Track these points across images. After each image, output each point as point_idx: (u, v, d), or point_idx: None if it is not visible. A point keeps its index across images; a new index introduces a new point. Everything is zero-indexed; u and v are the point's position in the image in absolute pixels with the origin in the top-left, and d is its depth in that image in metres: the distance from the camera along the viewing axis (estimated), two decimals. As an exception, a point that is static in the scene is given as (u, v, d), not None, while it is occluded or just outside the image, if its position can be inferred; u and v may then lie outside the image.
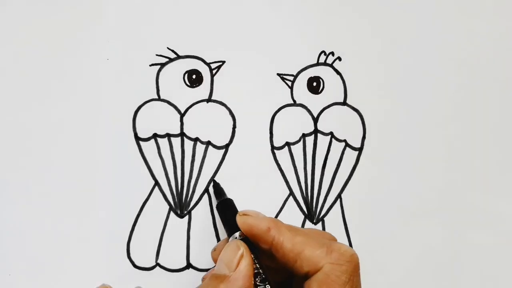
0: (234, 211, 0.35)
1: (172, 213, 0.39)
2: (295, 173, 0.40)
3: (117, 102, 0.39)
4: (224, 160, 0.40)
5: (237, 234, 0.32)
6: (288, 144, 0.40)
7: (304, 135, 0.40)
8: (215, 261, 0.35)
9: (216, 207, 0.37)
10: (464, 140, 0.41)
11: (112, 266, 0.38)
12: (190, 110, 0.40)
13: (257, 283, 0.30)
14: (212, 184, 0.39)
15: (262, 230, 0.31)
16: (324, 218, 0.40)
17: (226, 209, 0.35)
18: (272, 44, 0.41)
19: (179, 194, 0.39)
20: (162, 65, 0.40)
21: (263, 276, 0.30)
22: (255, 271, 0.30)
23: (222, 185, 0.39)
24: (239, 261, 0.30)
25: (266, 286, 0.30)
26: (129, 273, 0.38)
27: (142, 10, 0.40)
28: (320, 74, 0.41)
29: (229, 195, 0.39)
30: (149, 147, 0.39)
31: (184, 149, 0.39)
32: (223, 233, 0.39)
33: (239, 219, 0.33)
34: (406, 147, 0.41)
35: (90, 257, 0.38)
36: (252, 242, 0.32)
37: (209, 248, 0.39)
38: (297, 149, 0.40)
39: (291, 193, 0.40)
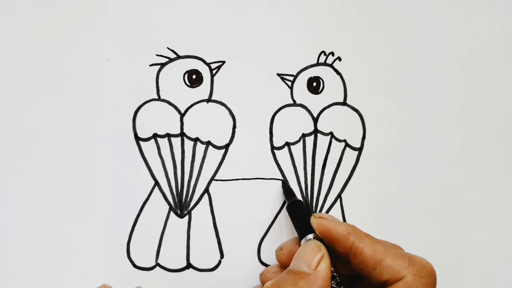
0: (306, 212, 0.36)
1: (172, 213, 0.39)
2: (295, 173, 0.40)
3: (117, 102, 0.39)
4: (224, 160, 0.40)
5: (310, 236, 0.33)
6: (288, 144, 0.40)
7: (304, 135, 0.40)
8: (279, 260, 0.36)
9: (286, 207, 0.37)
10: (464, 140, 0.42)
11: (112, 266, 0.38)
12: (190, 110, 0.40)
13: (333, 286, 0.31)
14: (281, 184, 0.39)
15: (342, 234, 0.32)
16: (324, 218, 0.40)
17: (297, 210, 0.36)
18: (272, 44, 0.41)
19: (179, 194, 0.39)
20: (162, 65, 0.40)
21: (338, 280, 0.31)
22: (332, 274, 0.31)
23: (221, 185, 0.39)
24: (319, 261, 0.31)
25: None
26: (129, 273, 0.38)
27: (142, 10, 0.40)
28: (320, 74, 0.41)
29: (229, 195, 0.39)
30: (149, 147, 0.39)
31: (184, 149, 0.39)
32: (223, 233, 0.39)
33: (314, 221, 0.33)
34: (406, 147, 0.41)
35: (90, 257, 0.38)
36: (327, 245, 0.32)
37: (209, 248, 0.39)
38: (297, 149, 0.40)
39: (291, 193, 0.40)
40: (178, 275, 0.39)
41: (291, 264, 0.32)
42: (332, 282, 0.31)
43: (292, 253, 0.34)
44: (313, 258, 0.31)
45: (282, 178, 0.40)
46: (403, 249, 0.33)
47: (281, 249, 0.36)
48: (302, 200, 0.37)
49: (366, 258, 0.31)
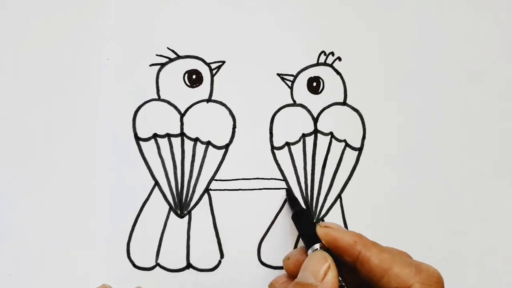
0: (311, 221, 0.36)
1: (172, 213, 0.39)
2: (295, 173, 0.40)
3: (117, 102, 0.39)
4: (224, 160, 0.40)
5: (317, 245, 0.33)
6: (288, 144, 0.40)
7: (304, 135, 0.40)
8: (287, 269, 0.36)
9: (292, 217, 0.37)
10: (464, 140, 0.41)
11: (112, 266, 0.38)
12: (190, 110, 0.40)
13: None
14: (285, 192, 0.39)
15: (348, 244, 0.32)
16: (324, 218, 0.40)
17: (302, 220, 0.36)
18: (272, 44, 0.41)
19: (179, 194, 0.39)
20: (162, 65, 0.40)
21: None
22: (339, 283, 0.31)
23: (222, 185, 0.39)
24: (326, 272, 0.31)
25: None
26: (129, 273, 0.38)
27: (142, 10, 0.40)
28: (320, 74, 0.41)
29: (228, 195, 0.39)
30: (149, 147, 0.39)
31: (184, 149, 0.39)
32: (223, 233, 0.39)
33: (320, 231, 0.33)
34: (406, 147, 0.41)
35: (90, 257, 0.38)
36: (333, 255, 0.32)
37: (209, 248, 0.39)
38: (297, 149, 0.40)
39: (291, 193, 0.40)
40: (178, 275, 0.39)
41: (299, 276, 0.32)
42: None
43: (299, 263, 0.34)
44: (320, 269, 0.31)
45: (282, 178, 0.40)
46: (410, 256, 0.33)
47: (288, 258, 0.36)
48: (306, 209, 0.37)
49: (373, 267, 0.31)
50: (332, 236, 0.33)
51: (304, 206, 0.38)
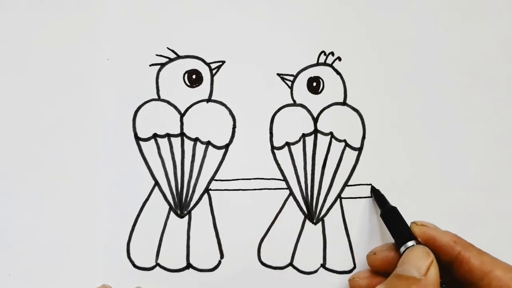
0: (402, 219, 0.36)
1: (172, 213, 0.39)
2: (295, 173, 0.40)
3: (117, 102, 0.39)
4: (224, 160, 0.40)
5: (411, 243, 0.34)
6: (288, 144, 0.40)
7: (304, 135, 0.40)
8: (372, 265, 0.37)
9: (381, 215, 0.38)
10: (464, 140, 0.41)
11: (112, 266, 0.38)
12: (190, 110, 0.40)
13: None
14: (371, 190, 0.40)
15: (448, 243, 0.33)
16: (324, 218, 0.40)
17: (394, 217, 0.36)
18: (272, 44, 0.41)
19: (179, 194, 0.39)
20: (162, 65, 0.40)
21: (444, 286, 0.32)
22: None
23: (222, 185, 0.39)
24: (429, 266, 0.31)
25: None
26: (129, 273, 0.38)
27: (142, 10, 0.40)
28: (320, 74, 0.41)
29: (228, 195, 0.39)
30: (149, 147, 0.39)
31: (184, 149, 0.39)
32: (223, 233, 0.39)
33: (417, 229, 0.34)
34: (406, 147, 0.41)
35: (90, 257, 0.38)
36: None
37: (209, 248, 0.39)
38: (297, 149, 0.40)
39: (291, 193, 0.40)
40: (178, 275, 0.39)
41: (398, 269, 0.32)
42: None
43: (387, 259, 0.35)
44: (423, 264, 0.31)
45: (282, 178, 0.40)
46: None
47: (374, 253, 0.36)
48: (396, 207, 0.37)
49: (473, 268, 0.31)
50: (430, 234, 0.34)
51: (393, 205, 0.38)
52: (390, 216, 0.37)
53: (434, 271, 0.31)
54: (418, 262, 0.31)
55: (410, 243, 0.34)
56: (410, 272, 0.31)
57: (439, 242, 0.33)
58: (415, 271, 0.31)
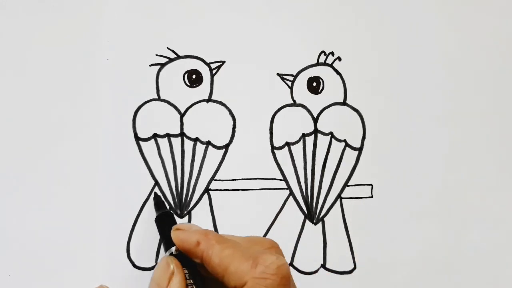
0: (172, 224, 0.34)
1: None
2: (295, 173, 0.40)
3: (117, 102, 0.39)
4: (224, 160, 0.40)
5: (173, 248, 0.33)
6: (288, 144, 0.40)
7: (304, 135, 0.40)
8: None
9: (155, 220, 0.36)
10: (464, 140, 0.41)
11: (112, 266, 0.38)
12: (190, 110, 0.40)
13: None
14: (152, 196, 0.38)
15: (192, 245, 0.31)
16: (324, 218, 0.40)
17: (164, 223, 0.35)
18: (272, 44, 0.41)
19: (179, 194, 0.39)
20: (162, 65, 0.40)
21: None
22: (189, 287, 0.30)
23: (221, 185, 0.39)
24: (169, 278, 0.30)
25: None
26: (129, 273, 0.38)
27: (142, 10, 0.40)
28: (320, 74, 0.41)
29: (228, 195, 0.39)
30: (149, 147, 0.39)
31: (184, 149, 0.39)
32: (223, 233, 0.39)
33: (173, 234, 0.32)
34: (406, 147, 0.41)
35: (90, 257, 0.38)
36: (188, 257, 0.32)
37: (209, 248, 0.39)
38: (297, 149, 0.40)
39: (291, 193, 0.40)
40: (178, 275, 0.38)
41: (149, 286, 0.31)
42: None
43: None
44: (164, 277, 0.30)
45: (282, 178, 0.40)
46: (274, 243, 0.32)
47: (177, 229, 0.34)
48: (172, 212, 0.36)
49: (215, 266, 0.30)
50: (180, 238, 0.32)
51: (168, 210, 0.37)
52: (161, 221, 0.36)
53: (175, 282, 0.30)
54: (159, 276, 0.30)
55: (172, 249, 0.33)
56: None
57: (187, 245, 0.31)
58: (157, 287, 0.30)
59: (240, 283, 0.29)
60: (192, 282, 0.31)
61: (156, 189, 0.39)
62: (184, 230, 0.32)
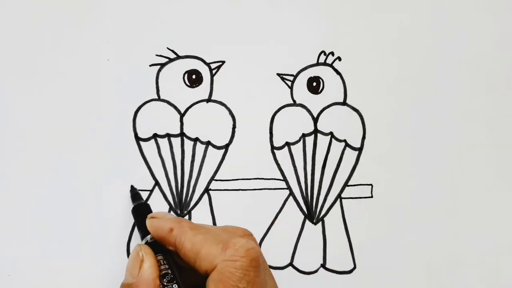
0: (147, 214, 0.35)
1: (172, 213, 0.39)
2: (295, 173, 0.40)
3: (117, 102, 0.39)
4: (224, 160, 0.40)
5: (148, 237, 0.33)
6: (288, 144, 0.40)
7: (304, 135, 0.40)
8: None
9: (131, 211, 0.36)
10: (465, 140, 0.41)
11: (112, 266, 0.38)
12: (190, 110, 0.40)
13: (164, 284, 0.30)
14: (130, 189, 0.38)
15: (165, 232, 0.31)
16: (324, 218, 0.40)
17: (140, 213, 0.35)
18: (272, 44, 0.41)
19: (179, 194, 0.39)
20: (162, 65, 0.40)
21: (171, 276, 0.30)
22: (163, 272, 0.30)
23: (221, 185, 0.39)
24: (140, 266, 0.30)
25: (173, 285, 0.30)
26: (129, 273, 0.38)
27: (142, 10, 0.40)
28: (320, 74, 0.41)
29: (228, 195, 0.39)
30: (149, 147, 0.39)
31: (184, 149, 0.39)
32: (223, 233, 0.39)
33: (147, 222, 0.33)
34: (406, 147, 0.41)
35: (91, 257, 0.38)
36: (162, 245, 0.32)
37: (209, 248, 0.39)
38: (297, 149, 0.40)
39: (291, 193, 0.40)
40: (178, 275, 0.38)
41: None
42: (164, 280, 0.30)
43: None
44: (135, 265, 0.30)
45: (282, 178, 0.40)
46: (248, 231, 0.32)
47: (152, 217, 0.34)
48: (148, 204, 0.36)
49: (187, 251, 0.30)
50: (154, 226, 0.32)
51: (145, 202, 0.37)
52: (137, 212, 0.36)
53: (145, 267, 0.30)
54: (131, 265, 0.31)
55: (148, 237, 0.33)
56: (127, 279, 0.31)
57: (161, 232, 0.31)
58: (130, 277, 0.30)
59: (211, 267, 0.29)
60: (167, 267, 0.31)
61: (156, 189, 0.39)
62: (158, 218, 0.33)
